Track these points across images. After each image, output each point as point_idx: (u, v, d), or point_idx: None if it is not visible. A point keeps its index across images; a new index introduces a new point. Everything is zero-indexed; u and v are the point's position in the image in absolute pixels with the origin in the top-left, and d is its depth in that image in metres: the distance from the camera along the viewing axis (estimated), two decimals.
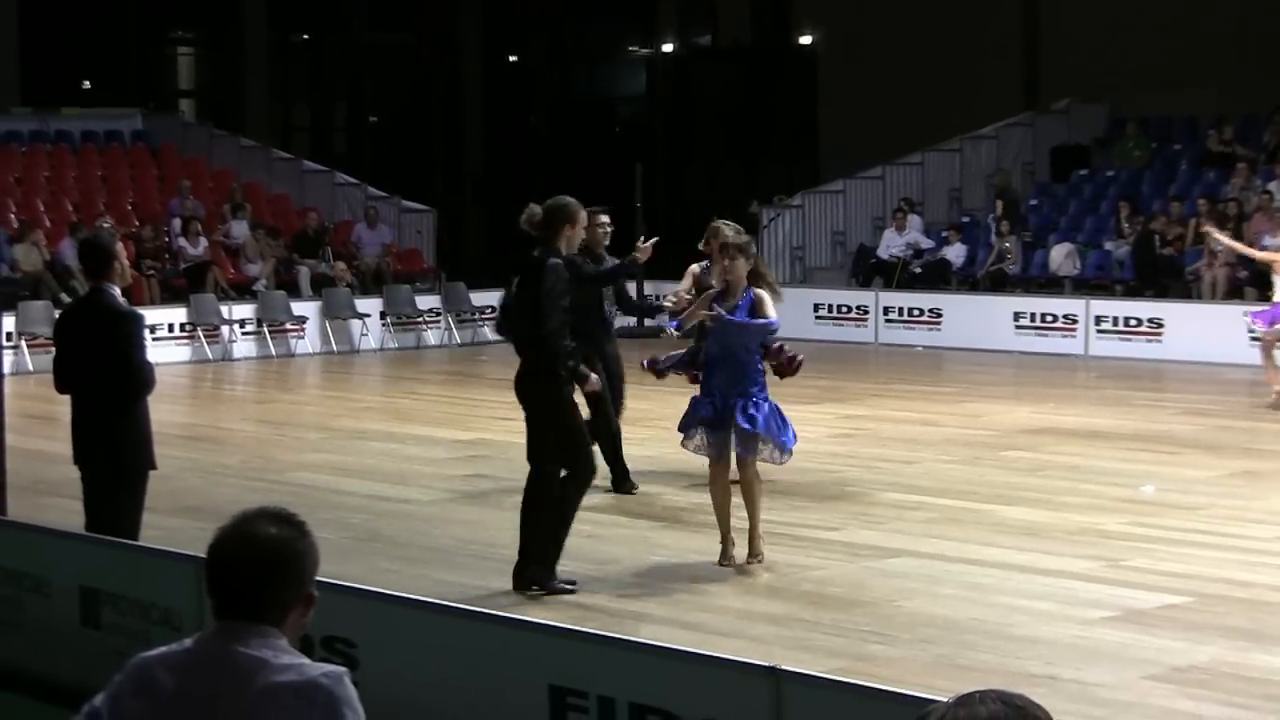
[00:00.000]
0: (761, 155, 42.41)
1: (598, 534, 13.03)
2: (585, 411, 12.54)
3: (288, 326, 28.67)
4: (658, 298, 16.81)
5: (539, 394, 11.24)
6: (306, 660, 3.75)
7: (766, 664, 6.57)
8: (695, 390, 12.18)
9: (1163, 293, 28.03)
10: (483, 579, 11.51)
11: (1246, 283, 27.37)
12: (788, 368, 13.08)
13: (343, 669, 3.79)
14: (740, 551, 11.92)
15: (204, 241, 29.84)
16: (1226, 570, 11.66)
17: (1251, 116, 31.97)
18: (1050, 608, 10.69)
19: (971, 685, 7.98)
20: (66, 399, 10.14)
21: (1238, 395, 21.93)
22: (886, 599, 11.01)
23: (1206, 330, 26.28)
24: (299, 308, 28.95)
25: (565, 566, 11.36)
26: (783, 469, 12.78)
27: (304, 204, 32.89)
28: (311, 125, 45.84)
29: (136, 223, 30.60)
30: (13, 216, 29.73)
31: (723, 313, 11.62)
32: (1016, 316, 28.43)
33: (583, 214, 11.72)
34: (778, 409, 11.76)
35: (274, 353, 28.21)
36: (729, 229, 13.72)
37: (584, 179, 41.22)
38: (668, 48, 43.57)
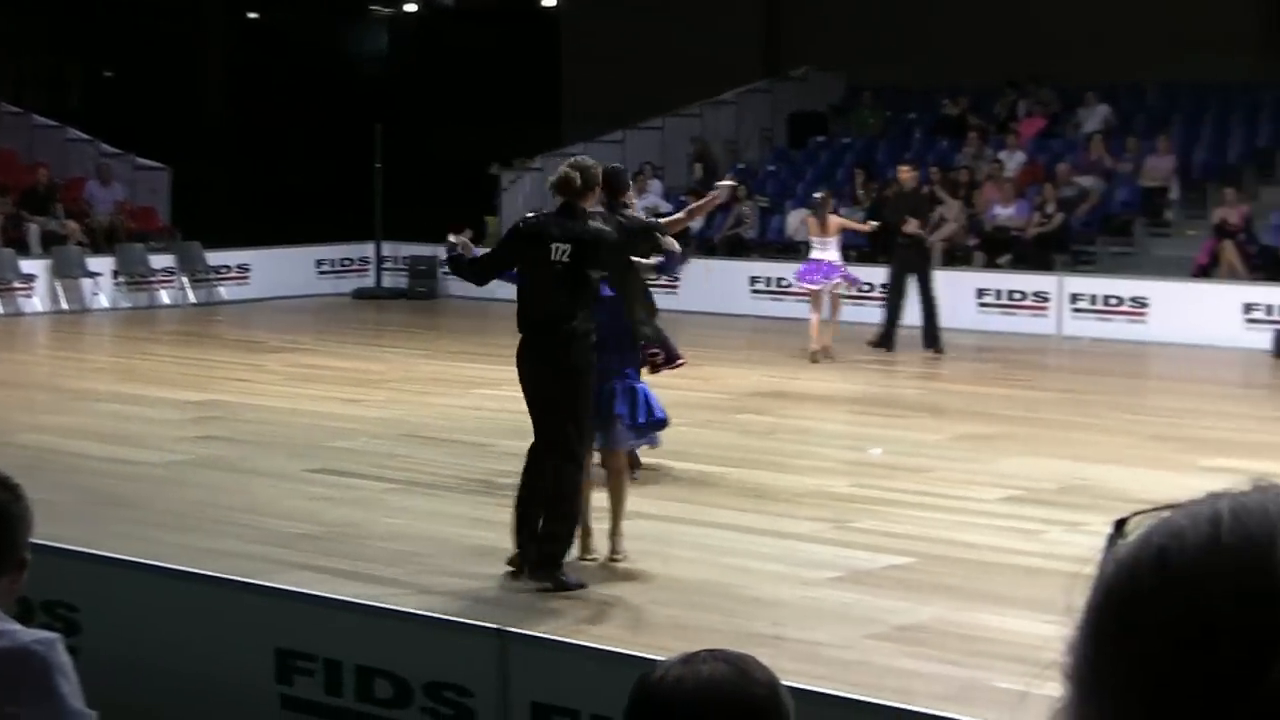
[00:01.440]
0: (504, 117, 42.33)
1: (331, 496, 12.99)
2: None
3: (15, 285, 28.06)
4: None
5: (574, 385, 10.34)
6: (19, 626, 3.71)
7: (492, 626, 6.61)
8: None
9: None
10: (216, 541, 11.40)
11: (975, 248, 28.02)
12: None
13: (55, 635, 3.76)
14: (603, 546, 11.18)
15: None
16: (949, 531, 11.94)
17: (983, 87, 32.67)
18: (778, 569, 10.87)
19: (699, 646, 8.10)
20: None
21: (964, 360, 22.43)
22: (618, 562, 11.10)
23: (937, 296, 26.80)
24: (28, 266, 28.33)
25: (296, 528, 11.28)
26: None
27: (33, 160, 32.17)
28: (45, 80, 44.80)
29: None
30: None
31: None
32: (753, 281, 28.79)
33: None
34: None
35: (2, 311, 27.61)
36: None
37: (324, 139, 40.98)
38: (410, 7, 43.29)
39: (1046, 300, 26.50)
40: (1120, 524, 1.25)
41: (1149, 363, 23.35)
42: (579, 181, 10.48)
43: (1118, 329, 25.49)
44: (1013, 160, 30.13)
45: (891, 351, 22.64)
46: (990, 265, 27.71)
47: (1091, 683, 1.22)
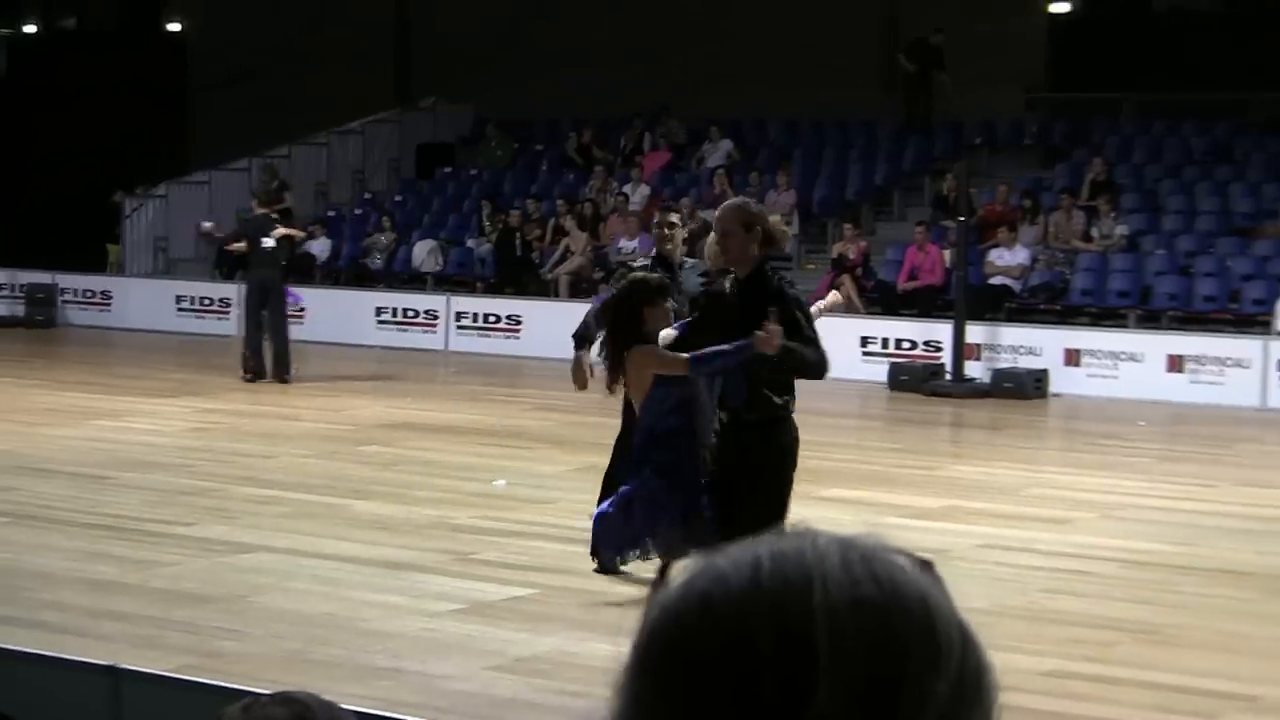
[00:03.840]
0: (129, 143, 41.47)
1: None
2: None
3: None
4: None
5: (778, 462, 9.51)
6: None
7: (105, 663, 6.46)
8: None
9: (522, 290, 28.69)
10: None
11: (601, 281, 28.28)
12: None
13: None
14: None
15: None
16: (571, 562, 12.00)
17: (609, 120, 33.06)
18: (400, 601, 10.82)
19: (321, 679, 8.01)
20: None
21: (589, 391, 22.60)
22: (239, 595, 10.94)
23: (562, 327, 26.97)
24: None
25: None
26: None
27: None
28: None
29: None
30: None
31: None
32: (379, 311, 28.67)
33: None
34: None
35: None
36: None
37: None
38: (30, 29, 42.18)
39: None
40: (664, 569, 1.29)
41: None
42: None
43: None
44: (637, 193, 30.51)
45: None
46: None
47: None
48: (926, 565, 1.26)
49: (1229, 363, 23.11)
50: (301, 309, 23.03)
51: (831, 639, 1.18)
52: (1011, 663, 9.09)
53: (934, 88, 31.45)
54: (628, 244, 28.67)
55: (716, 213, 9.83)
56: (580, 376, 12.04)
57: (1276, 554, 12.51)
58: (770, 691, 1.18)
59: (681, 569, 1.29)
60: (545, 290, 28.76)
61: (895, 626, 1.20)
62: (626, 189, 30.67)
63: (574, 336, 11.98)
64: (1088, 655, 9.46)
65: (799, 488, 14.90)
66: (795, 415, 9.74)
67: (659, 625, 1.24)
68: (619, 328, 9.72)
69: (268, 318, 22.56)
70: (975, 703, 1.22)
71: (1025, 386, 23.28)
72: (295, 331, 26.99)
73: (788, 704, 1.17)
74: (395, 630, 10.12)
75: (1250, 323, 24.57)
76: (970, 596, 10.80)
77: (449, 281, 29.99)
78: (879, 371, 24.48)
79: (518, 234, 29.24)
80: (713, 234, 9.94)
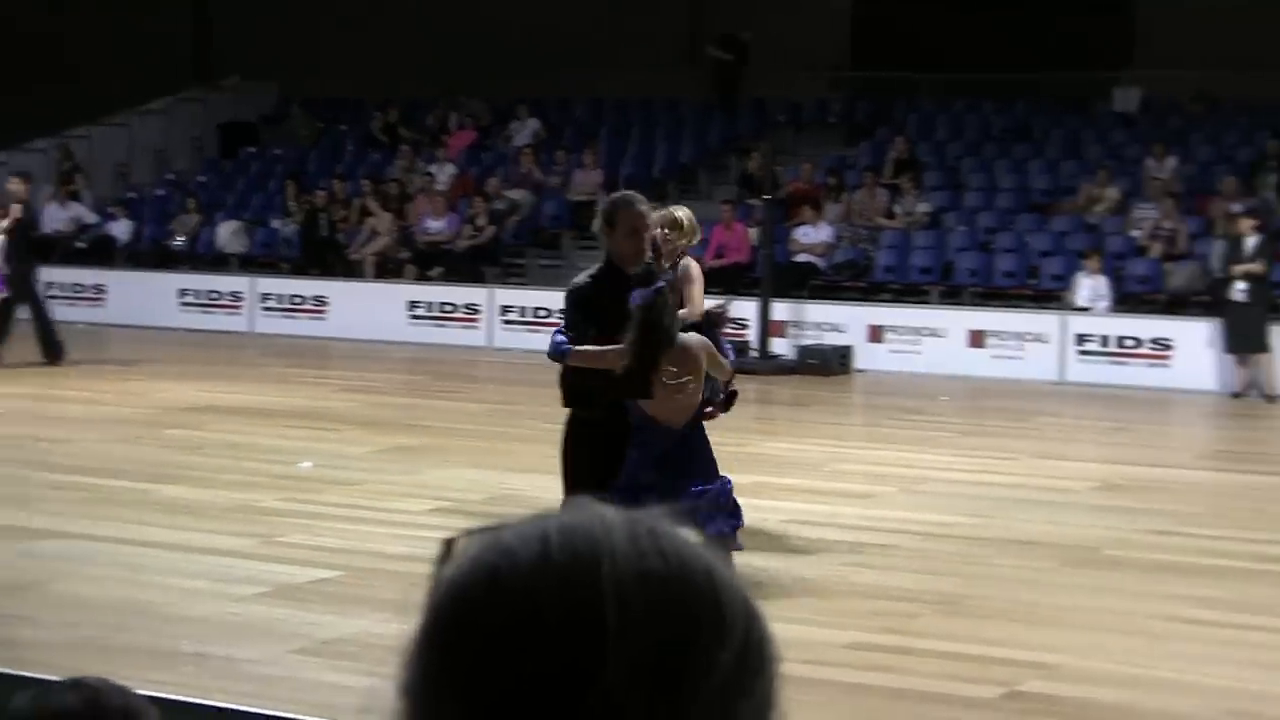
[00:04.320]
0: None
1: None
2: None
3: None
4: None
5: None
6: None
7: None
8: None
9: (327, 271, 28.50)
10: None
11: (407, 261, 28.17)
12: None
13: None
14: None
15: None
16: (378, 544, 11.94)
17: (416, 99, 32.90)
18: (203, 585, 10.70)
19: (122, 666, 7.89)
20: None
21: (397, 372, 22.54)
22: (36, 582, 10.77)
23: (368, 308, 26.94)
24: None
25: None
26: None
27: None
28: None
29: None
30: None
31: None
32: (183, 293, 28.35)
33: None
34: None
35: None
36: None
37: None
38: None
39: (478, 312, 26.84)
40: (448, 544, 1.30)
41: None
42: None
43: (541, 340, 25.94)
44: (444, 173, 30.42)
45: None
46: (422, 278, 27.91)
47: (426, 696, 1.25)
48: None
49: (1028, 337, 23.52)
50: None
51: (619, 612, 1.20)
52: (814, 635, 9.21)
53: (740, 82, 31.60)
54: (434, 224, 28.57)
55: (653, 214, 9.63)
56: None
57: (1072, 524, 12.76)
58: (558, 664, 1.20)
59: (466, 544, 1.30)
60: (351, 271, 28.59)
61: (681, 599, 1.22)
62: (433, 169, 30.56)
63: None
64: (888, 627, 9.59)
65: None
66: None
67: (446, 599, 1.26)
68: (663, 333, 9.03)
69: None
70: (759, 671, 1.25)
71: (830, 363, 23.55)
72: (95, 314, 26.72)
73: (576, 676, 1.19)
74: (198, 615, 10.01)
75: (1049, 298, 25.01)
76: (775, 571, 10.91)
77: (254, 263, 29.71)
78: None
79: (323, 214, 29.02)
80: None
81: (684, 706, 1.20)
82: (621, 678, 1.19)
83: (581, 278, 9.74)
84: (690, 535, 1.29)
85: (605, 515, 1.27)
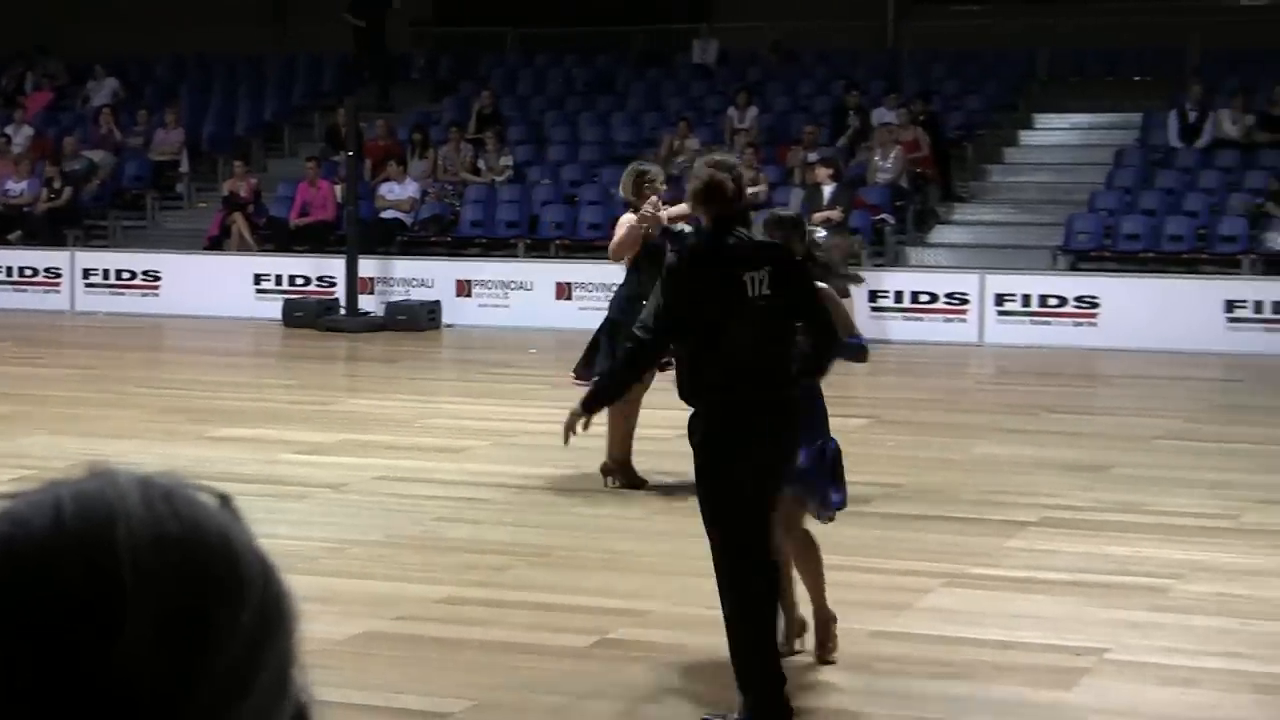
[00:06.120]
0: None
1: None
2: None
3: None
4: None
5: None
6: None
7: None
8: None
9: None
10: None
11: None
12: None
13: None
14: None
15: None
16: None
17: None
18: None
19: None
20: None
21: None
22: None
23: None
24: None
25: None
26: None
27: None
28: None
29: None
30: None
31: None
32: None
33: None
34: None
35: None
36: None
37: None
38: None
39: (59, 276, 26.23)
40: None
41: (164, 336, 23.52)
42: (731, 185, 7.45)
43: (132, 303, 25.52)
44: (20, 134, 29.58)
45: None
46: (1, 242, 27.14)
47: None
48: (225, 500, 1.32)
49: (614, 288, 23.85)
50: None
51: (136, 576, 1.21)
52: (407, 592, 9.29)
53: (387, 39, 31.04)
54: (15, 186, 27.78)
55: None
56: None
57: (662, 472, 12.97)
58: (79, 631, 1.20)
59: None
60: None
61: (199, 561, 1.24)
62: (9, 130, 29.67)
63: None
64: (480, 580, 9.69)
65: (194, 429, 14.85)
66: None
67: None
68: None
69: None
70: (279, 628, 1.28)
71: (419, 319, 23.60)
72: None
73: (96, 642, 1.20)
74: None
75: None
76: (367, 528, 10.93)
77: None
78: (273, 309, 24.43)
79: None
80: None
81: (207, 664, 1.22)
82: (142, 640, 1.20)
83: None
84: (205, 497, 1.30)
85: (118, 480, 1.27)
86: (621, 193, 13.17)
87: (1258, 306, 21.89)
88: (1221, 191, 24.61)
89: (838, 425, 8.58)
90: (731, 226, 7.37)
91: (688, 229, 12.02)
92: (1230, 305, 21.88)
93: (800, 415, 7.54)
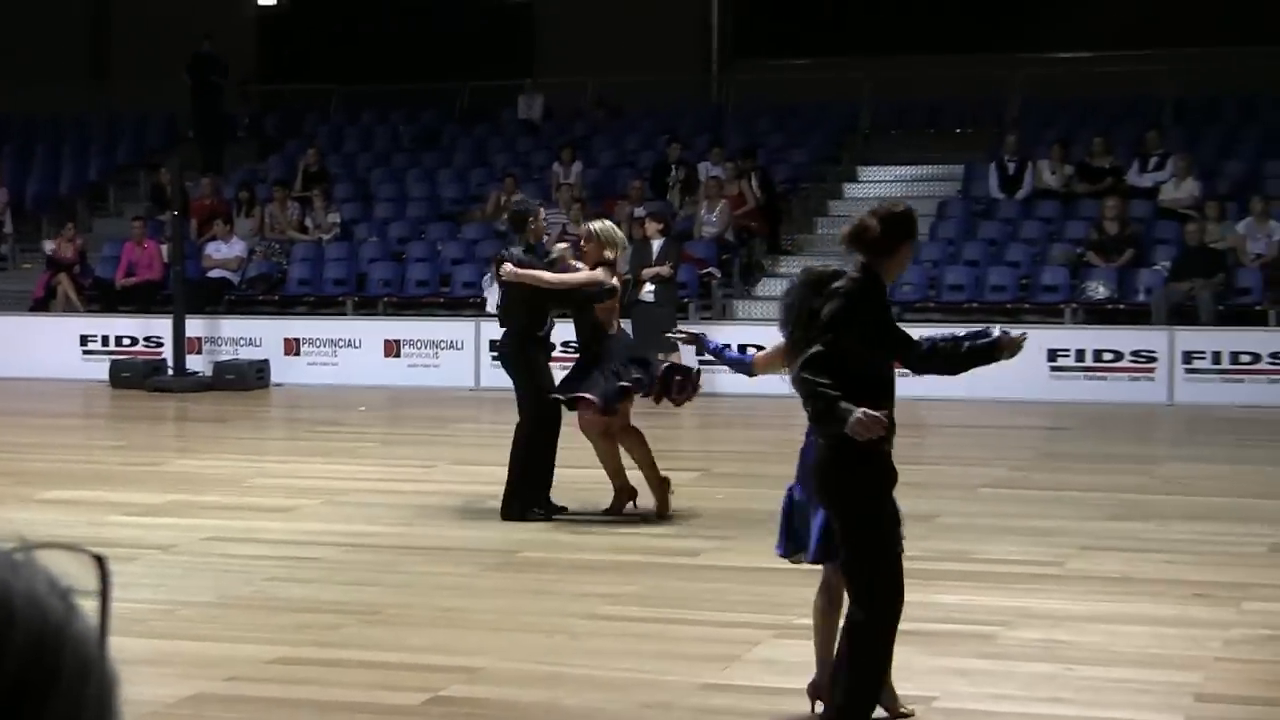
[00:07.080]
0: None
1: None
2: None
3: None
4: None
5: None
6: None
7: None
8: None
9: None
10: None
11: None
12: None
13: None
14: None
15: None
16: None
17: None
18: None
19: None
20: None
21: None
22: None
23: None
24: None
25: None
26: None
27: None
28: None
29: None
30: None
31: None
32: None
33: None
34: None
35: None
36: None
37: None
38: None
39: None
40: None
41: None
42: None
43: None
44: None
45: None
46: None
47: None
48: (100, 561, 1.31)
49: (443, 345, 23.88)
50: None
51: None
52: (239, 653, 9.22)
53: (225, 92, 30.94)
54: None
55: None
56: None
57: (491, 529, 13.02)
58: None
59: None
60: None
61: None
62: None
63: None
64: (313, 640, 9.64)
65: (21, 491, 14.66)
66: None
67: None
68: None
69: None
70: (68, 687, 1.26)
71: (247, 378, 23.46)
72: None
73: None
74: None
75: (462, 305, 25.43)
76: (197, 590, 10.83)
77: None
78: (100, 370, 24.20)
79: None
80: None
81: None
82: None
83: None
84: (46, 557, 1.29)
85: None
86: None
87: (1079, 355, 22.32)
88: (1043, 242, 25.09)
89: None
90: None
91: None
92: (1053, 354, 22.29)
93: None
